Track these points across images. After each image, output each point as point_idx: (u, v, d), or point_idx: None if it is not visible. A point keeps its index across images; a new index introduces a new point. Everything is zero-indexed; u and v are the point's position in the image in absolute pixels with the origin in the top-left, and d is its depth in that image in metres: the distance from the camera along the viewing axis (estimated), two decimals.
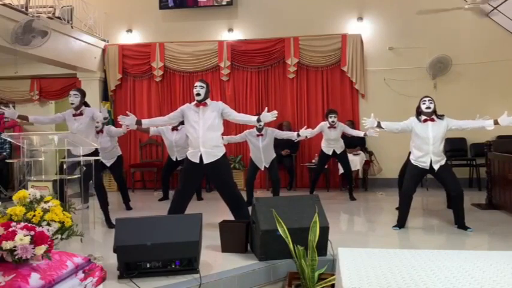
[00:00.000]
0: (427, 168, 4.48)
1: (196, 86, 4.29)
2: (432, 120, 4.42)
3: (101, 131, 5.82)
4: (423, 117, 4.44)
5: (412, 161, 4.57)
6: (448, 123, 4.43)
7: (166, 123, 4.41)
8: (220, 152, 4.28)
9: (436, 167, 4.45)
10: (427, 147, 4.42)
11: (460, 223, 4.49)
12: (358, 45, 7.82)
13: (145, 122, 4.34)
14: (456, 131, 4.60)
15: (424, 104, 4.43)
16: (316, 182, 6.88)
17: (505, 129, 7.30)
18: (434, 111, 4.44)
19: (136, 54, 8.41)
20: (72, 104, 4.71)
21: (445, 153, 7.16)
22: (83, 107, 4.79)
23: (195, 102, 4.29)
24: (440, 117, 4.46)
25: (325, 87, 7.99)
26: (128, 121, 4.20)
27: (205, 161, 4.19)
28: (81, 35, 7.63)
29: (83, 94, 4.83)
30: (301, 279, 3.17)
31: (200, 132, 4.20)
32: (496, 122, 4.31)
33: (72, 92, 4.77)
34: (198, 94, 4.24)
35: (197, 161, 4.21)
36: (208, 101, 4.31)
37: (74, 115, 4.74)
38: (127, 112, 4.29)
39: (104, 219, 4.92)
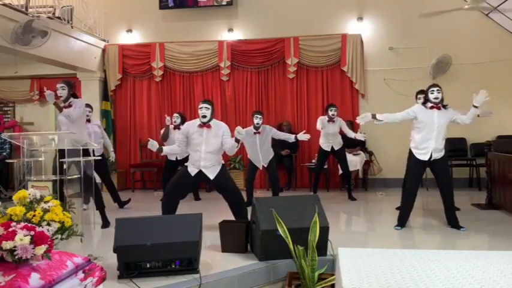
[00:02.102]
0: (427, 158, 4.48)
1: (201, 107, 4.27)
2: (438, 108, 4.47)
3: (88, 120, 5.81)
4: (430, 104, 4.49)
5: (413, 150, 4.58)
6: (453, 115, 4.51)
7: (181, 150, 4.45)
8: (219, 166, 4.36)
9: (436, 156, 4.46)
10: (431, 133, 4.44)
11: (454, 223, 4.51)
12: (358, 45, 7.82)
13: (165, 149, 4.42)
14: (457, 126, 4.65)
15: (432, 93, 4.46)
16: (318, 182, 6.82)
17: (505, 129, 7.37)
18: (441, 101, 4.50)
19: (136, 54, 8.41)
20: (60, 97, 4.69)
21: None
22: (71, 99, 4.76)
23: (199, 122, 4.29)
24: (445, 106, 4.52)
25: (325, 87, 7.99)
26: (150, 145, 4.22)
27: (211, 177, 4.28)
28: (81, 35, 7.63)
29: (70, 86, 4.81)
30: (301, 279, 3.17)
31: (202, 155, 4.25)
32: (474, 106, 4.51)
33: (59, 85, 4.74)
34: (204, 116, 4.25)
35: (193, 174, 4.30)
36: (212, 122, 4.31)
37: (63, 107, 4.72)
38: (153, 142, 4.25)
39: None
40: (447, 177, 4.58)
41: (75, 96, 4.89)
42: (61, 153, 4.15)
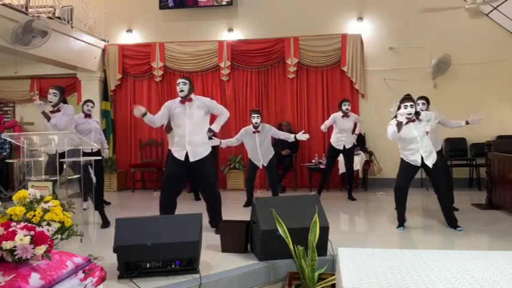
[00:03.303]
0: (419, 164, 4.52)
1: (179, 83, 4.30)
2: (413, 121, 4.45)
3: (89, 115, 5.77)
4: (404, 120, 4.44)
5: (405, 159, 4.60)
6: (428, 121, 4.51)
7: (160, 123, 4.39)
8: (206, 150, 4.35)
9: (428, 163, 4.48)
10: (416, 146, 4.46)
11: (452, 223, 4.52)
12: (358, 45, 7.82)
13: (149, 116, 4.23)
14: (452, 129, 4.72)
15: (405, 108, 4.39)
16: (324, 183, 6.67)
17: (505, 129, 7.37)
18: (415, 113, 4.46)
19: (136, 54, 8.41)
20: (50, 102, 4.72)
21: (444, 152, 7.20)
22: (61, 104, 4.81)
23: (180, 99, 4.30)
24: (418, 116, 4.48)
25: (325, 87, 7.98)
26: (137, 111, 4.14)
27: (191, 159, 4.24)
28: (81, 35, 7.63)
29: (62, 92, 4.86)
30: (301, 279, 3.17)
31: (187, 129, 4.23)
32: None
33: (51, 91, 4.77)
34: (182, 90, 4.27)
35: (182, 158, 4.25)
36: (193, 96, 4.33)
37: (52, 112, 4.73)
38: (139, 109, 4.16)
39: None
40: (442, 182, 4.57)
41: (65, 101, 4.94)
42: (54, 155, 4.14)
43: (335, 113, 6.50)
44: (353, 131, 6.44)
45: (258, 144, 5.82)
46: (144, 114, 4.16)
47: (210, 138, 4.51)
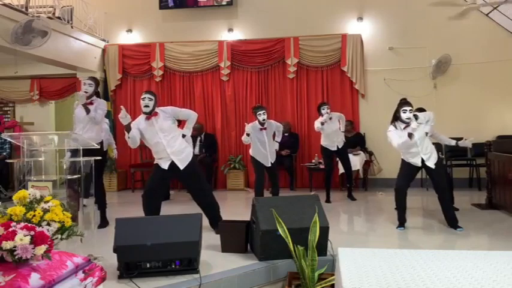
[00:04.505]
0: (420, 165, 4.54)
1: (144, 98, 4.25)
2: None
3: None
4: (403, 125, 4.44)
5: (405, 160, 4.62)
6: (426, 123, 4.51)
7: (138, 142, 4.35)
8: (190, 153, 4.35)
9: (429, 164, 4.49)
10: (416, 149, 4.48)
11: (453, 223, 4.52)
12: (358, 45, 7.82)
13: (132, 131, 4.21)
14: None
15: (404, 113, 4.39)
16: (330, 186, 6.47)
17: (505, 129, 7.37)
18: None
19: (136, 54, 8.41)
20: (86, 92, 4.58)
21: (444, 153, 7.21)
22: (94, 97, 4.70)
23: (145, 116, 4.27)
24: (416, 117, 4.44)
25: (325, 87, 7.98)
26: (123, 118, 4.09)
27: (182, 167, 4.25)
28: (81, 35, 7.63)
29: (97, 83, 4.74)
30: (301, 279, 3.17)
31: (164, 142, 4.22)
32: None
33: (86, 81, 4.65)
34: (147, 106, 4.23)
35: (166, 167, 4.25)
36: (157, 109, 4.31)
37: (84, 104, 4.60)
38: (127, 115, 4.13)
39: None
40: (442, 183, 4.58)
41: (98, 95, 4.84)
42: (74, 152, 4.12)
43: (317, 119, 6.26)
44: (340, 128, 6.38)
45: (267, 141, 5.62)
46: (129, 129, 4.13)
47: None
